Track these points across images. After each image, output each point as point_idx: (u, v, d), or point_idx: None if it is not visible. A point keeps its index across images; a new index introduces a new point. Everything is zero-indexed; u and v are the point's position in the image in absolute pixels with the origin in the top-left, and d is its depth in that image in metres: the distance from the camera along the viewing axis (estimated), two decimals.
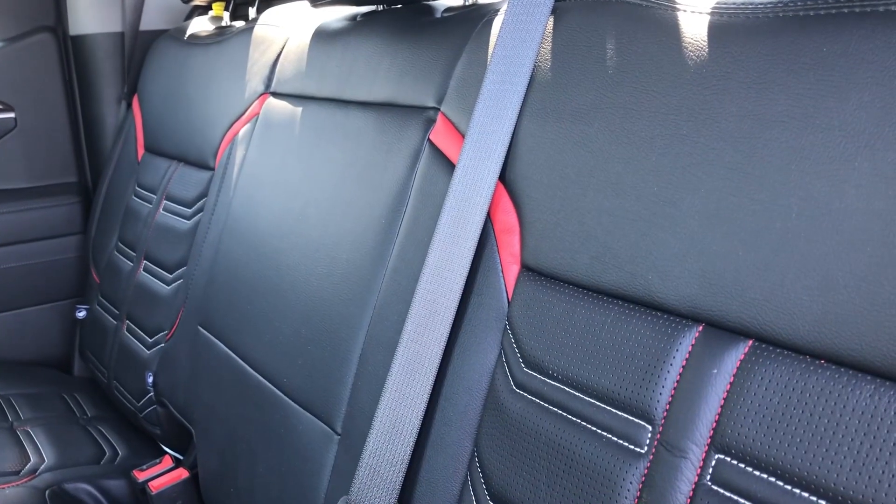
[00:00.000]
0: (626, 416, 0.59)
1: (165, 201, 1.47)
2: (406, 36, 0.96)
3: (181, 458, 1.33)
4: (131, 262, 1.53)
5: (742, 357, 0.54)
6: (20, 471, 1.25)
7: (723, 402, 0.54)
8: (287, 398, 0.95)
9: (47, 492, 1.21)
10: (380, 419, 0.77)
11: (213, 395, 1.13)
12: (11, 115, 1.79)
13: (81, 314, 1.70)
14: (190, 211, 1.38)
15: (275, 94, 1.20)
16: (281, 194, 1.10)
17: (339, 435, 0.86)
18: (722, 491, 0.52)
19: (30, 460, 1.29)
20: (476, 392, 0.73)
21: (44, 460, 1.30)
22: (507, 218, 0.74)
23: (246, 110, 1.27)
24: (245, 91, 1.28)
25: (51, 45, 1.80)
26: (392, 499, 0.75)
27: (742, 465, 0.52)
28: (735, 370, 0.54)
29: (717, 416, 0.54)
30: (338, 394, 0.87)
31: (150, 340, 1.38)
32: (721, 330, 0.56)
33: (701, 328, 0.57)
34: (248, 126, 1.25)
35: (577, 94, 0.70)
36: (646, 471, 0.57)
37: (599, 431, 0.60)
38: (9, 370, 1.69)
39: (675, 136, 0.61)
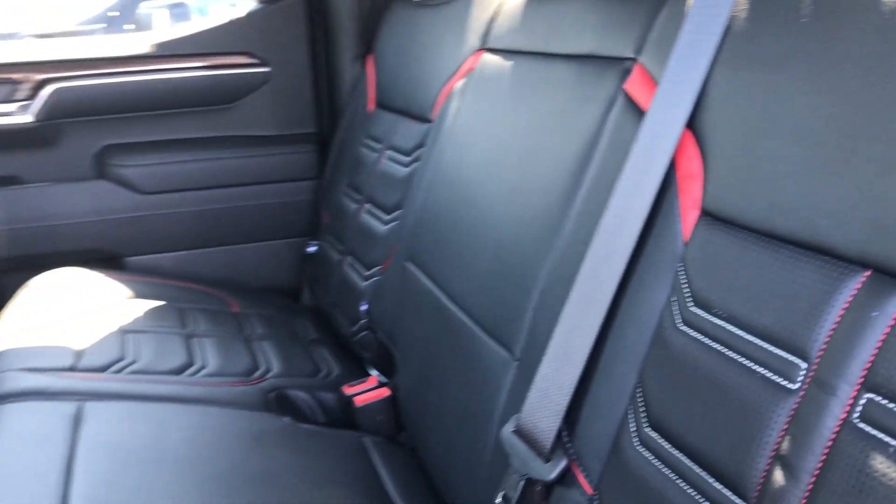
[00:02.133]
0: (782, 353, 0.60)
1: (388, 150, 1.61)
2: None
3: (385, 380, 1.47)
4: (356, 203, 1.69)
5: None
6: (252, 374, 1.45)
7: (880, 343, 0.54)
8: (475, 326, 1.03)
9: (272, 394, 1.40)
10: (553, 347, 0.83)
11: (414, 323, 1.25)
12: (267, 69, 2.02)
13: (312, 249, 1.91)
14: (408, 159, 1.50)
15: (489, 50, 1.28)
16: (485, 143, 1.18)
17: (517, 360, 0.93)
18: (868, 428, 0.53)
19: (259, 367, 1.49)
20: (645, 328, 0.77)
21: (270, 369, 1.49)
22: (691, 164, 0.77)
23: (462, 65, 1.36)
24: (463, 48, 1.37)
25: (300, 6, 2.00)
26: (558, 419, 0.81)
27: (892, 406, 0.52)
28: None
29: (872, 357, 0.54)
30: (519, 323, 0.94)
31: (367, 273, 1.53)
32: (888, 275, 0.55)
33: (868, 273, 0.57)
34: (463, 80, 1.34)
35: (769, 42, 0.71)
36: (795, 406, 0.58)
37: (755, 367, 0.62)
38: (249, 294, 1.94)
39: (863, 83, 0.60)
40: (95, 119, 1.95)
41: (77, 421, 1.16)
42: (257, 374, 1.46)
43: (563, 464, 0.80)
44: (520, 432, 0.85)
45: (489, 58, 1.27)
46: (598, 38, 0.98)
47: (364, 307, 1.50)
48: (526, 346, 0.92)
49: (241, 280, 2.04)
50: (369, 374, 1.48)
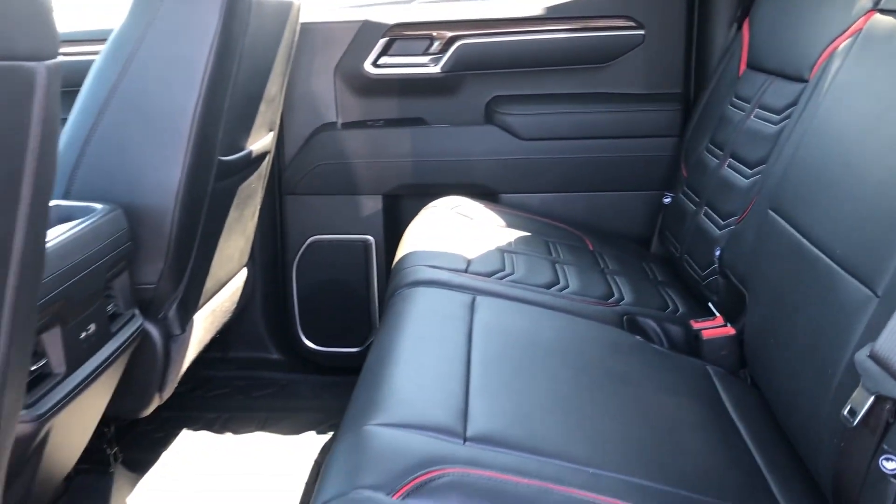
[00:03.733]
0: None
1: (757, 109, 1.68)
2: None
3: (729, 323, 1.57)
4: (717, 159, 1.79)
5: None
6: (608, 298, 1.64)
7: None
8: (835, 265, 1.10)
9: (624, 317, 1.57)
10: None
11: (769, 265, 1.34)
12: (641, 32, 2.18)
13: (667, 200, 2.04)
14: (778, 117, 1.57)
15: (882, 11, 1.30)
16: (866, 102, 1.22)
17: (878, 297, 1.00)
18: None
19: (614, 294, 1.67)
20: None
21: (623, 298, 1.67)
22: None
23: (850, 26, 1.39)
24: (853, 9, 1.40)
25: None
26: None
27: None
28: None
29: None
30: (886, 264, 0.99)
31: (723, 223, 1.64)
32: None
33: None
34: (848, 41, 1.38)
35: None
36: None
37: None
38: (603, 236, 2.14)
39: None
40: (488, 73, 2.26)
41: (472, 308, 1.43)
42: (612, 299, 1.65)
43: None
44: (875, 357, 0.92)
45: (881, 19, 1.29)
46: None
47: (717, 253, 1.61)
48: (889, 285, 0.98)
49: (597, 224, 2.23)
50: (714, 316, 1.59)
